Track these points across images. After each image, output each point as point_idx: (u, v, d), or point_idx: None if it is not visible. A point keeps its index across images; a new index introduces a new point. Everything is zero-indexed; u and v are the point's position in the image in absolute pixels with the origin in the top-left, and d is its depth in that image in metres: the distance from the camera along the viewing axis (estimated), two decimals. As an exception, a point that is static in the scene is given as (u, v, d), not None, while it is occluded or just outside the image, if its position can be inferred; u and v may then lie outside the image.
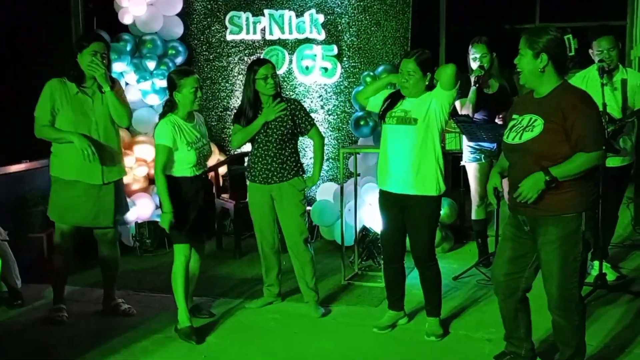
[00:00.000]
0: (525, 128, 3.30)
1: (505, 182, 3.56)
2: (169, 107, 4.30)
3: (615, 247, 5.63)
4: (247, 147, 6.71)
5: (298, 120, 4.54)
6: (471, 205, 5.56)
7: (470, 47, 5.28)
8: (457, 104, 5.25)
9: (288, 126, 4.50)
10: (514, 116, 3.44)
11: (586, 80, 4.98)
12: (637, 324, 4.32)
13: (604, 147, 3.24)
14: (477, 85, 5.19)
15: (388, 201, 4.19)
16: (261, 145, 4.53)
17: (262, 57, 6.47)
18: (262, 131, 4.48)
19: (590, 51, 4.97)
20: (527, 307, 3.59)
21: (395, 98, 4.15)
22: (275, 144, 4.50)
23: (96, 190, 4.48)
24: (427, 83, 4.04)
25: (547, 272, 3.36)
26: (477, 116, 5.27)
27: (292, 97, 6.36)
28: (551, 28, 3.33)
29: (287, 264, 4.86)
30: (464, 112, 5.30)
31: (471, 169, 5.41)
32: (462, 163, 5.49)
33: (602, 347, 4.00)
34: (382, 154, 4.21)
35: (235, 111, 4.75)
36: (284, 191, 4.55)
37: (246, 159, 6.46)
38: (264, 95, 4.48)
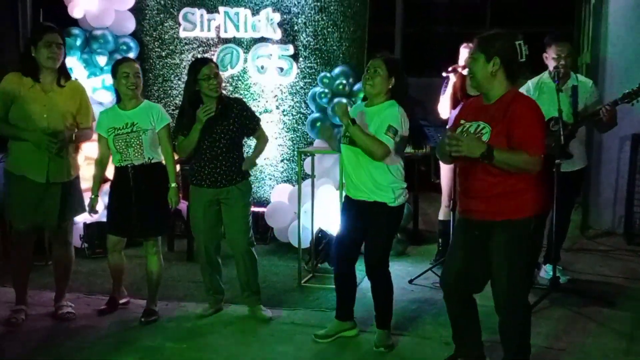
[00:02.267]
0: (475, 134, 3.31)
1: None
2: (117, 96, 4.48)
3: (564, 250, 5.74)
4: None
5: (245, 120, 4.47)
6: (435, 208, 5.61)
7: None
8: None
9: (234, 128, 4.41)
10: (462, 121, 3.44)
11: (541, 85, 5.06)
12: (587, 326, 4.41)
13: (542, 155, 3.26)
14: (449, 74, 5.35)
15: (348, 205, 4.16)
16: (207, 149, 4.40)
17: (216, 55, 6.39)
18: (207, 135, 4.35)
19: (544, 55, 5.05)
20: (475, 310, 3.61)
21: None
22: (222, 148, 4.39)
23: (42, 189, 4.33)
24: (390, 87, 4.02)
25: (496, 276, 3.37)
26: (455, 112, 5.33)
27: (245, 96, 6.28)
28: (504, 33, 3.34)
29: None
30: (441, 108, 5.42)
31: (444, 168, 5.47)
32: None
33: (546, 347, 4.08)
34: (342, 163, 4.20)
35: (175, 120, 4.67)
36: (232, 194, 4.45)
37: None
38: (207, 96, 4.37)
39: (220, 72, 6.36)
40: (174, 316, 4.61)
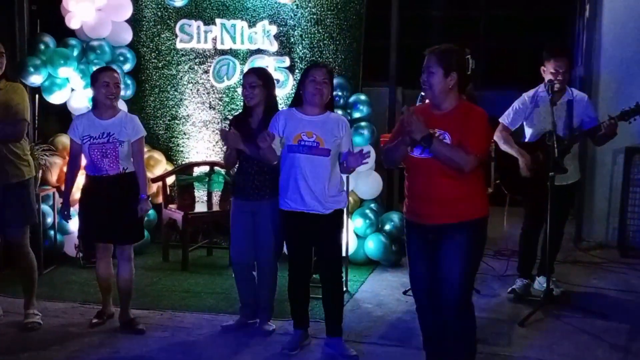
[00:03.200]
0: None
1: None
2: (93, 104, 4.47)
3: (558, 262, 5.75)
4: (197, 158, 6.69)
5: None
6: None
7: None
8: None
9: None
10: None
11: (536, 99, 5.09)
12: (581, 338, 4.43)
13: (477, 156, 3.35)
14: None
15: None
16: (243, 162, 4.41)
17: (212, 66, 6.44)
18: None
19: (542, 69, 5.07)
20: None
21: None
22: (256, 161, 4.31)
23: None
24: (330, 96, 4.10)
25: (448, 276, 3.43)
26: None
27: (241, 108, 6.26)
28: (457, 48, 3.50)
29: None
30: None
31: None
32: None
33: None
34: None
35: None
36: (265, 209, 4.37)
37: (196, 169, 6.42)
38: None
39: (218, 84, 6.49)
40: (169, 326, 4.61)
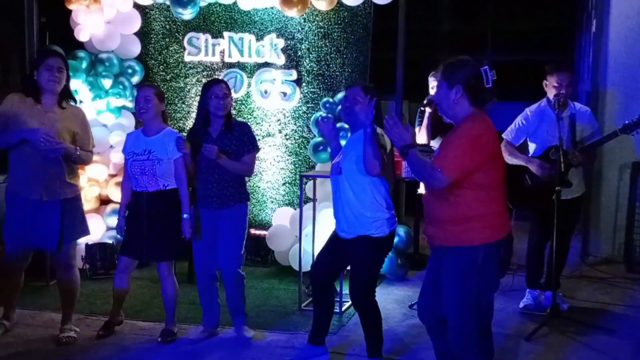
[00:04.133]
0: None
1: None
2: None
3: (565, 277, 5.74)
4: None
5: (241, 144, 4.50)
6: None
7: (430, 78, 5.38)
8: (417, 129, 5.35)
9: (231, 151, 4.45)
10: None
11: (539, 114, 5.12)
12: (587, 354, 4.41)
13: (442, 172, 3.17)
14: (426, 107, 5.28)
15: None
16: (203, 170, 4.47)
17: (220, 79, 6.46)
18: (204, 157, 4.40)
19: (544, 83, 5.11)
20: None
21: None
22: (217, 169, 4.42)
23: (36, 207, 4.30)
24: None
25: (445, 300, 3.38)
26: (434, 143, 5.34)
27: (248, 120, 6.32)
28: (468, 60, 3.33)
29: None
30: (419, 140, 5.36)
31: None
32: (419, 191, 5.54)
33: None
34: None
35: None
36: (226, 218, 4.48)
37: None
38: (214, 115, 4.48)
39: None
40: (176, 337, 4.61)
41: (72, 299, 4.62)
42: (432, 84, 5.32)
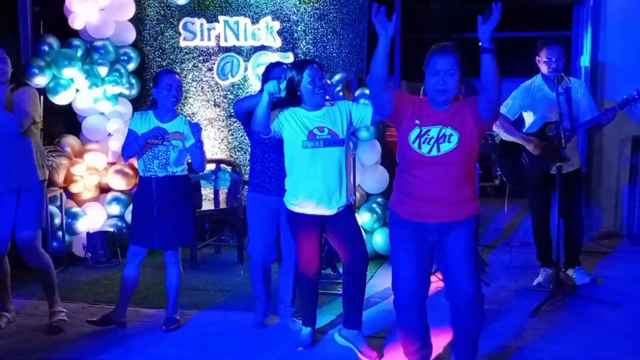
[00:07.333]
0: (438, 139, 3.34)
1: None
2: (151, 103, 4.47)
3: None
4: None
5: None
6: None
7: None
8: None
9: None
10: (417, 122, 3.40)
11: (532, 89, 5.10)
12: (592, 328, 4.41)
13: None
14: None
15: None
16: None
17: (216, 63, 6.43)
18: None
19: (537, 58, 5.08)
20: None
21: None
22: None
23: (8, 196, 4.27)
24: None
25: (460, 266, 3.42)
26: None
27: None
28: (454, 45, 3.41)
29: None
30: None
31: None
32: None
33: (549, 348, 4.07)
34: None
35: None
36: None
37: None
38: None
39: (222, 82, 6.48)
40: (179, 324, 4.61)
41: (50, 285, 4.55)
42: None
